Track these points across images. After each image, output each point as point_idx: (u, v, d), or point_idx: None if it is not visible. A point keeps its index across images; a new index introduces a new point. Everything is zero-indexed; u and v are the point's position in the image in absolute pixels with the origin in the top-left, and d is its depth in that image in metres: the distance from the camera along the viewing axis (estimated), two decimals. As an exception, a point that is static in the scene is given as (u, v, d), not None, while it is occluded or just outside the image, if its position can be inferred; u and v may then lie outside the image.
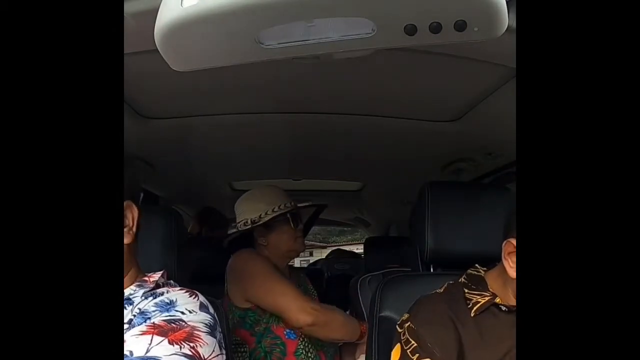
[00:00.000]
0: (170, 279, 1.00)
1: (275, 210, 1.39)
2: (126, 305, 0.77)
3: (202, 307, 0.82)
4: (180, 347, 0.71)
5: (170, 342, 0.72)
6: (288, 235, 1.41)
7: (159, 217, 1.05)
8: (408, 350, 0.83)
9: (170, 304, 0.78)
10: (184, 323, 0.75)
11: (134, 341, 0.70)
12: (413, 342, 0.83)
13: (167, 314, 0.75)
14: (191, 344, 0.73)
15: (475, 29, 0.47)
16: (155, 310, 0.76)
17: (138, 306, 0.77)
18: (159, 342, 0.70)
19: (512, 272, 0.81)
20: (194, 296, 0.82)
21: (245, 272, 1.34)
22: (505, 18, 0.47)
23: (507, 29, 0.49)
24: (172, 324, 0.74)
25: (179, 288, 0.83)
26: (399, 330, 0.86)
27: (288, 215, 1.41)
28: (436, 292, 0.90)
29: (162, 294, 0.80)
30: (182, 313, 0.77)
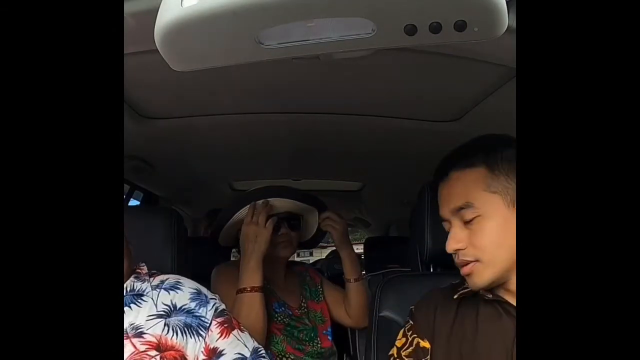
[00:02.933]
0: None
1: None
2: (144, 299, 0.81)
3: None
4: (242, 331, 0.84)
5: (240, 330, 0.84)
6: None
7: (159, 217, 1.05)
8: (406, 329, 0.84)
9: (200, 293, 0.86)
10: (226, 311, 0.86)
11: (223, 344, 0.80)
12: (411, 321, 0.83)
13: (211, 305, 0.84)
14: (240, 324, 0.85)
15: (475, 29, 0.47)
16: (197, 305, 0.83)
17: (163, 301, 0.81)
18: (237, 334, 0.82)
19: None
20: (191, 281, 0.89)
21: (213, 289, 1.33)
22: (505, 18, 0.47)
23: (507, 29, 0.49)
24: (226, 315, 0.84)
25: (173, 275, 0.87)
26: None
27: None
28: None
29: (172, 284, 0.85)
30: (214, 299, 0.86)
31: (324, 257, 4.31)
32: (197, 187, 2.09)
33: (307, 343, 1.34)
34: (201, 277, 1.54)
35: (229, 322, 0.83)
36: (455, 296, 0.79)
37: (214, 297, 0.86)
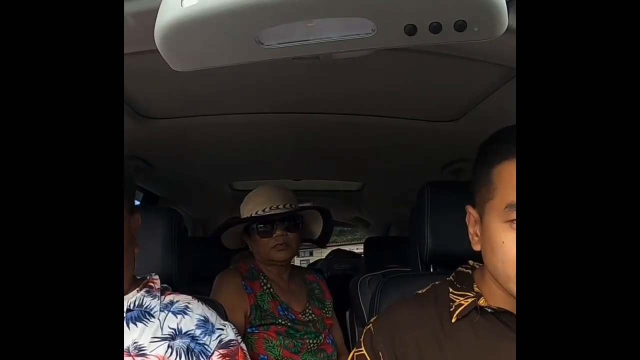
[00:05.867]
0: (170, 279, 1.00)
1: (251, 215, 1.37)
2: (151, 319, 0.80)
3: (220, 315, 0.88)
4: None
5: None
6: (262, 243, 1.38)
7: (159, 217, 1.04)
8: (356, 354, 0.76)
9: (207, 321, 0.84)
10: (233, 342, 0.83)
11: None
12: (362, 348, 0.75)
13: (216, 335, 0.82)
14: (245, 358, 0.82)
15: (475, 29, 0.47)
16: (202, 333, 0.81)
17: (169, 325, 0.80)
18: None
19: (475, 245, 0.73)
20: (207, 305, 0.86)
21: (214, 295, 1.33)
22: (505, 18, 0.47)
23: (507, 29, 0.49)
24: (230, 347, 0.82)
25: (184, 296, 0.85)
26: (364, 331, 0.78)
27: (254, 226, 1.38)
28: (417, 293, 0.81)
29: (181, 309, 0.83)
30: (222, 329, 0.84)
31: (324, 257, 4.30)
32: (197, 187, 2.09)
33: (309, 348, 1.34)
34: (202, 277, 1.55)
35: (232, 356, 0.80)
36: (454, 319, 0.71)
37: (221, 326, 0.83)
